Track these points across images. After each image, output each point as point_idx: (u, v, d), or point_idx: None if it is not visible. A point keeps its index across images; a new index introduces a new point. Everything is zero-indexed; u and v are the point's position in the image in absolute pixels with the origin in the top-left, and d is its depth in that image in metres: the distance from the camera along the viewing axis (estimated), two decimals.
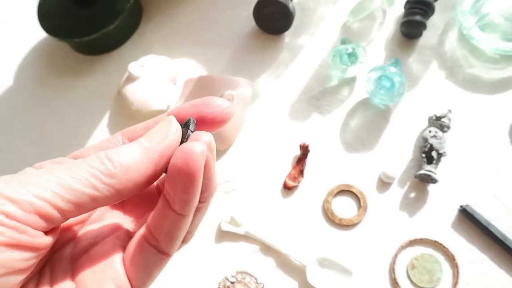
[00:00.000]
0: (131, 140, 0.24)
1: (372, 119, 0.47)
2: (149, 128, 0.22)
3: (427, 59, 0.49)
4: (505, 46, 0.47)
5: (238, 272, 0.43)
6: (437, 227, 0.43)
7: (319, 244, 0.43)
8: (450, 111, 0.45)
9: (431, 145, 0.43)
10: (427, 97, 0.48)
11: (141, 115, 0.49)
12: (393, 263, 0.42)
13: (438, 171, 0.43)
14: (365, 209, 0.44)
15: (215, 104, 0.22)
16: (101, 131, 0.51)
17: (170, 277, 0.44)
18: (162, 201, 0.21)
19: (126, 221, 0.25)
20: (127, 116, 0.51)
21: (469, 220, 0.42)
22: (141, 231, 0.21)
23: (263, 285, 0.42)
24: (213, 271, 0.43)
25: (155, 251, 0.21)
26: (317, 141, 0.47)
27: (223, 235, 0.44)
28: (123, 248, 0.22)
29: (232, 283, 0.43)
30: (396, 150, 0.46)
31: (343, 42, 0.49)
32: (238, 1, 0.56)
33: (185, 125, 0.22)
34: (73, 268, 0.21)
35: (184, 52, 0.54)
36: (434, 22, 0.50)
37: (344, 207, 0.44)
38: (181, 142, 0.21)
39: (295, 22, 0.52)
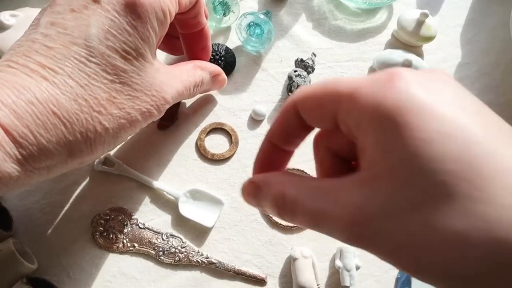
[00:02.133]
0: None
1: (245, 65, 0.50)
2: None
3: (297, 12, 0.53)
4: (366, 2, 0.52)
5: (111, 209, 0.43)
6: (305, 157, 0.46)
7: (192, 179, 0.45)
8: (314, 54, 0.49)
9: (297, 84, 0.47)
10: (296, 45, 0.51)
11: None
12: None
13: None
14: (236, 144, 0.46)
15: None
16: None
17: (42, 220, 0.43)
18: None
19: None
20: None
21: None
22: None
23: (137, 220, 0.43)
24: (86, 211, 0.43)
25: None
26: None
27: (97, 176, 0.45)
28: None
29: (106, 220, 0.43)
30: (266, 92, 0.49)
31: None
32: None
33: None
34: None
35: None
36: None
37: (217, 144, 0.46)
38: None
39: None
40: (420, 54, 0.52)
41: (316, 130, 0.29)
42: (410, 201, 0.19)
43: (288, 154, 0.32)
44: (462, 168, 0.18)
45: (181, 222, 0.43)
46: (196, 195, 0.43)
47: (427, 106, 0.20)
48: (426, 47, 0.52)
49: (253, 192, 0.29)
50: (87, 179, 0.44)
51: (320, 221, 0.23)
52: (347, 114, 0.23)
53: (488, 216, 0.17)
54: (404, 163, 0.19)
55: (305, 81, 0.47)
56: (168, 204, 0.43)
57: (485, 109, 0.21)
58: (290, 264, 0.42)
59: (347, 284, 0.41)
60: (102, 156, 0.45)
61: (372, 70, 0.50)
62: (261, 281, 0.41)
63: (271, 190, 0.27)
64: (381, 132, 0.21)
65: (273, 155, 0.31)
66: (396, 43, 0.52)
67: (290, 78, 0.47)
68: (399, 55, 0.49)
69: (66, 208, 0.43)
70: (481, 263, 0.18)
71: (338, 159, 0.27)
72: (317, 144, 0.29)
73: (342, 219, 0.22)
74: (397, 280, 0.42)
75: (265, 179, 0.28)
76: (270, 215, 0.43)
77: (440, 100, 0.20)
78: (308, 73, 0.48)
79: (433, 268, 0.19)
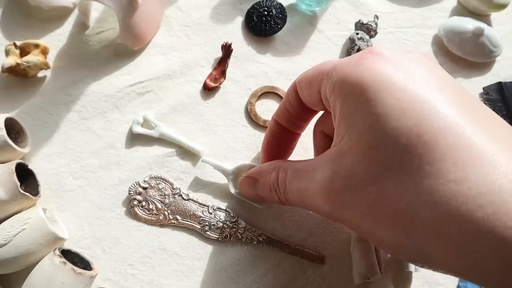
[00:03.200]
0: None
1: (299, 25, 0.45)
2: None
3: None
4: None
5: (151, 178, 0.38)
6: None
7: (241, 147, 0.40)
8: (377, 17, 0.44)
9: (359, 47, 0.42)
10: (354, 7, 0.46)
11: (40, 13, 0.43)
12: None
13: None
14: None
15: None
16: None
17: (72, 186, 0.38)
18: None
19: None
20: (24, 13, 0.44)
21: None
22: None
23: (180, 190, 0.38)
24: (123, 178, 0.38)
25: None
26: (240, 44, 0.43)
27: (135, 139, 0.40)
28: None
29: (145, 188, 0.38)
30: (323, 56, 0.44)
31: None
32: None
33: None
34: None
35: None
36: None
37: (268, 110, 0.41)
38: None
39: None
40: (488, 24, 0.47)
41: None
42: (369, 174, 0.20)
43: (294, 137, 0.34)
44: (415, 143, 0.18)
45: (229, 195, 0.38)
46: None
47: (390, 81, 0.20)
48: (495, 17, 0.48)
49: (251, 184, 0.33)
50: (124, 142, 0.40)
51: (304, 199, 0.25)
52: (325, 88, 0.24)
53: (435, 190, 0.18)
54: (363, 138, 0.20)
55: (367, 45, 0.42)
56: (215, 174, 0.39)
57: (463, 92, 0.21)
58: (349, 246, 0.38)
59: (412, 269, 0.37)
60: (140, 117, 0.40)
61: (437, 38, 0.46)
62: (319, 261, 0.37)
63: (266, 179, 0.30)
64: (346, 104, 0.22)
65: (280, 135, 0.33)
66: (462, 10, 0.48)
67: (352, 40, 0.42)
68: (469, 22, 0.45)
69: (100, 174, 0.39)
70: (427, 236, 0.18)
71: (331, 141, 0.27)
72: (315, 129, 0.32)
73: (318, 194, 0.23)
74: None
75: (259, 171, 0.32)
76: None
77: (407, 78, 0.20)
78: (370, 36, 0.43)
79: (386, 240, 0.20)
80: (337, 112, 0.22)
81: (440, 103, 0.19)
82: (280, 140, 0.33)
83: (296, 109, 0.30)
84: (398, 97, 0.19)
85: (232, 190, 0.37)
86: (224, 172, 0.37)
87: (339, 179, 0.21)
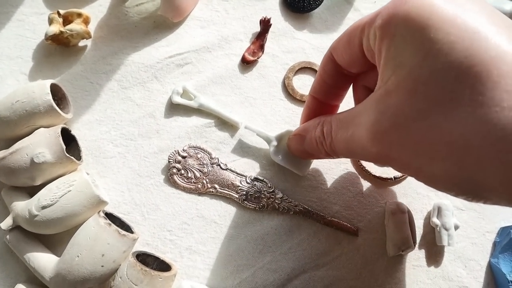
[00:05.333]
0: None
1: (336, 3, 0.45)
2: None
3: None
4: None
5: (190, 147, 0.39)
6: None
7: (279, 120, 0.41)
8: None
9: None
10: None
11: None
12: None
13: None
14: None
15: None
16: None
17: (112, 152, 0.39)
18: None
19: None
20: None
21: None
22: None
23: (218, 160, 0.39)
24: (162, 146, 0.39)
25: None
26: (278, 20, 0.44)
27: (174, 109, 0.40)
28: None
29: (184, 157, 0.39)
30: None
31: None
32: None
33: None
34: None
35: None
36: None
37: (305, 85, 0.42)
38: None
39: None
40: None
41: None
42: (417, 110, 0.19)
43: (334, 109, 0.34)
44: (466, 74, 0.18)
45: (266, 165, 0.39)
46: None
47: (439, 16, 0.19)
48: None
49: (298, 141, 0.33)
50: (163, 112, 0.40)
51: (351, 145, 0.25)
52: (367, 37, 0.23)
53: (489, 118, 0.18)
54: (411, 75, 0.20)
55: None
56: (253, 145, 0.39)
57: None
58: (383, 219, 0.38)
59: (445, 243, 0.37)
60: (180, 88, 0.40)
61: None
62: (354, 233, 0.37)
63: (312, 134, 0.30)
64: (393, 45, 0.21)
65: (318, 111, 0.33)
66: None
67: None
68: (506, 3, 0.45)
69: (139, 142, 0.39)
70: (482, 164, 0.18)
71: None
72: (355, 85, 0.31)
73: (364, 137, 0.23)
74: (495, 244, 0.39)
75: (305, 127, 0.32)
76: (362, 165, 0.39)
77: (457, 11, 0.20)
78: None
79: (438, 174, 0.20)
80: (383, 56, 0.22)
81: (491, 34, 0.19)
82: (319, 115, 0.32)
83: (333, 78, 0.30)
84: (447, 31, 0.19)
85: (274, 157, 0.38)
86: (267, 138, 0.38)
87: (385, 119, 0.21)
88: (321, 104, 0.33)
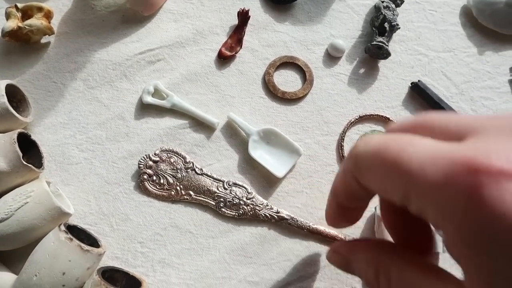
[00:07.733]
0: None
1: None
2: None
3: None
4: None
5: (162, 150, 0.36)
6: (387, 103, 0.39)
7: (258, 120, 0.37)
8: None
9: (384, 16, 0.39)
10: None
11: None
12: (341, 139, 0.37)
13: (390, 47, 0.39)
14: (311, 82, 0.38)
15: None
16: None
17: (78, 158, 0.36)
18: None
19: None
20: None
21: (420, 97, 0.39)
22: None
23: (193, 164, 0.36)
24: (132, 151, 0.36)
25: None
26: (257, 12, 0.41)
27: (145, 109, 0.37)
28: None
29: (155, 162, 0.36)
30: (345, 26, 0.41)
31: None
32: None
33: None
34: None
35: None
36: None
37: (287, 81, 0.39)
38: None
39: None
40: None
41: None
42: None
43: (362, 208, 0.27)
44: None
45: (245, 169, 0.36)
46: (271, 137, 0.36)
47: None
48: None
49: (342, 265, 0.27)
50: (133, 113, 0.37)
51: None
52: (424, 204, 0.17)
53: None
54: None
55: (393, 15, 0.39)
56: (231, 148, 0.36)
57: None
58: (372, 225, 0.35)
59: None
60: (151, 87, 0.37)
61: (466, 9, 0.43)
62: (340, 240, 0.35)
63: (362, 271, 0.24)
64: (484, 262, 0.15)
65: (345, 212, 0.27)
66: None
67: (377, 9, 0.40)
68: None
69: (107, 146, 0.36)
70: None
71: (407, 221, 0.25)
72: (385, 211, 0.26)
73: None
74: None
75: (351, 250, 0.26)
76: None
77: None
78: (396, 5, 0.41)
79: None
80: (467, 262, 0.16)
81: None
82: (346, 215, 0.27)
83: (359, 192, 0.23)
84: None
85: (252, 152, 0.35)
86: (248, 130, 0.35)
87: None
88: (346, 207, 0.27)
